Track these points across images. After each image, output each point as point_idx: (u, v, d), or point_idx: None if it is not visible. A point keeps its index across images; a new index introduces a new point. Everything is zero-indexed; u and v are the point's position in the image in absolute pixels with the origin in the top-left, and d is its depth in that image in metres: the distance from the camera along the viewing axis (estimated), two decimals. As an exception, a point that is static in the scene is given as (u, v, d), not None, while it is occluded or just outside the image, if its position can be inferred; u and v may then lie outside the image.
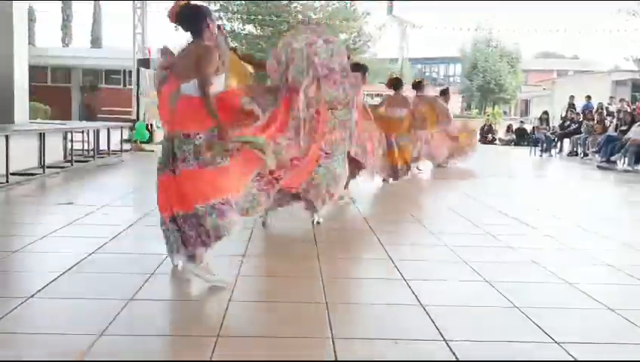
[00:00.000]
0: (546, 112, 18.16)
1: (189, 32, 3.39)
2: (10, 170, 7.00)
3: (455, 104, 11.31)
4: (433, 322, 2.76)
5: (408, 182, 8.53)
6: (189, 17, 3.35)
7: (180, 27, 3.41)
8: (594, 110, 16.25)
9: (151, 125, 15.41)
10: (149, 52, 16.45)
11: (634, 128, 12.25)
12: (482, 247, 4.48)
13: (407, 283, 3.38)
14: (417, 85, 9.78)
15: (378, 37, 30.94)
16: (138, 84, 15.17)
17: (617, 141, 12.31)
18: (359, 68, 6.72)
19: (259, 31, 27.28)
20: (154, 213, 5.36)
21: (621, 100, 15.44)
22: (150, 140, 14.32)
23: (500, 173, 11.35)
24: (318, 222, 4.97)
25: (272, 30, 25.47)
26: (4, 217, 5.38)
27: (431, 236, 4.81)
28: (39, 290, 3.04)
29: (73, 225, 4.76)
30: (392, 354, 2.43)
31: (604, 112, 15.61)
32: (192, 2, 3.41)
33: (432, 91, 10.78)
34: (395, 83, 8.42)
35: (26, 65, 9.44)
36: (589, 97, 18.03)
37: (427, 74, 46.14)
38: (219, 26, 4.15)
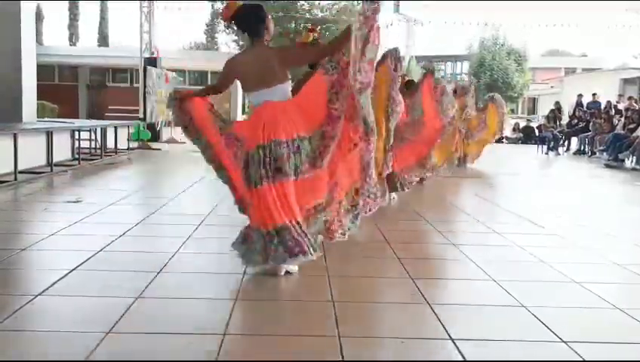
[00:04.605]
0: (553, 110, 18.07)
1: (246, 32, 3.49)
2: (19, 169, 7.04)
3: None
4: (440, 321, 2.76)
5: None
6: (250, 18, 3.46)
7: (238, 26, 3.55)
8: (602, 108, 16.18)
9: (157, 123, 15.46)
10: (157, 51, 16.51)
11: (642, 126, 12.21)
12: (489, 246, 4.47)
13: (414, 282, 3.38)
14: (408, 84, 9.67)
15: (385, 35, 30.93)
16: (145, 83, 15.22)
17: (625, 139, 12.26)
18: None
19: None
20: (161, 211, 5.41)
21: (629, 98, 15.35)
22: (155, 139, 14.37)
23: (507, 171, 11.31)
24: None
25: (280, 28, 25.48)
26: (12, 215, 5.41)
27: (437, 234, 4.80)
28: (47, 288, 3.06)
29: (81, 223, 4.78)
30: (398, 353, 2.43)
31: (612, 110, 15.54)
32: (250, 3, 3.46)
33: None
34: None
35: (34, 63, 9.48)
36: (594, 95, 17.98)
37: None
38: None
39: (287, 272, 3.46)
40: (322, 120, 3.34)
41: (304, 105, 3.43)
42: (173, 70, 19.31)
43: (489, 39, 37.52)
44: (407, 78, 7.73)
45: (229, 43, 36.59)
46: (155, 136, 14.70)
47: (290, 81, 3.53)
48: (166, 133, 15.43)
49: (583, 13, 68.24)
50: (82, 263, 3.53)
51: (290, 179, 3.33)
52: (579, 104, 17.92)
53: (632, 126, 12.81)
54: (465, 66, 44.65)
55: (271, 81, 3.38)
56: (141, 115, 15.16)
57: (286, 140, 3.31)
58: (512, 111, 36.47)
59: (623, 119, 13.99)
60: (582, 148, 15.49)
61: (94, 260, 3.64)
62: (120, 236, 4.31)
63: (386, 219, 5.46)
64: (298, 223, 3.33)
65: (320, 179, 3.41)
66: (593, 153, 14.55)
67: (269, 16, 3.56)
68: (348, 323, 2.71)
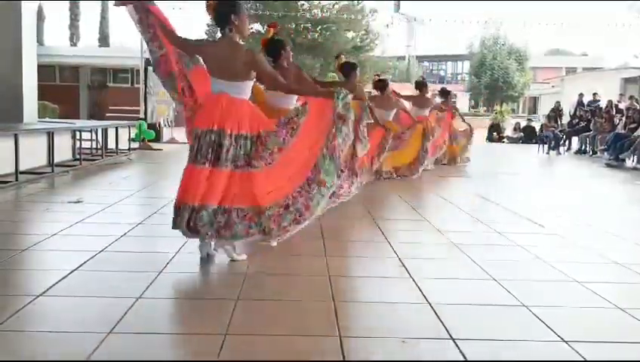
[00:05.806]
0: (554, 110, 18.06)
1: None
2: (20, 169, 7.04)
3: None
4: (441, 321, 2.76)
5: (414, 179, 8.54)
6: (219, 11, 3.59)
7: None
8: (602, 107, 16.18)
9: (158, 124, 15.46)
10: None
11: (643, 126, 12.20)
12: (490, 245, 4.47)
13: (415, 282, 3.38)
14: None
15: (386, 35, 30.93)
16: (146, 83, 15.23)
17: (626, 139, 12.25)
18: (351, 66, 6.72)
19: (266, 29, 27.30)
20: (162, 212, 5.40)
21: (630, 98, 15.34)
22: (156, 139, 14.35)
23: (507, 170, 11.31)
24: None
25: (280, 28, 25.49)
26: (13, 216, 5.41)
27: (438, 234, 4.80)
28: (48, 289, 3.06)
29: (82, 223, 4.78)
30: (399, 352, 2.43)
31: (613, 110, 15.54)
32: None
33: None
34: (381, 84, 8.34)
35: (35, 64, 9.48)
36: (594, 94, 17.98)
37: (434, 71, 46.06)
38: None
39: (233, 260, 3.68)
40: (269, 126, 3.60)
41: (257, 112, 3.66)
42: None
43: (490, 39, 37.54)
44: (378, 77, 7.69)
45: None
46: (157, 137, 14.70)
47: (252, 81, 3.67)
48: (167, 134, 15.44)
49: (583, 13, 68.18)
50: (83, 263, 3.53)
51: (225, 170, 3.49)
52: (580, 103, 17.92)
53: (632, 125, 12.80)
54: (466, 66, 44.64)
55: (231, 76, 3.54)
56: (142, 116, 15.17)
57: (230, 133, 3.49)
58: (513, 110, 36.48)
59: (624, 118, 13.98)
60: (583, 147, 15.48)
61: (95, 260, 3.64)
62: (121, 236, 4.31)
63: (386, 219, 5.47)
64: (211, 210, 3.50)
65: (266, 178, 3.54)
66: (594, 153, 14.55)
67: (242, 16, 3.65)
68: (348, 323, 2.71)
